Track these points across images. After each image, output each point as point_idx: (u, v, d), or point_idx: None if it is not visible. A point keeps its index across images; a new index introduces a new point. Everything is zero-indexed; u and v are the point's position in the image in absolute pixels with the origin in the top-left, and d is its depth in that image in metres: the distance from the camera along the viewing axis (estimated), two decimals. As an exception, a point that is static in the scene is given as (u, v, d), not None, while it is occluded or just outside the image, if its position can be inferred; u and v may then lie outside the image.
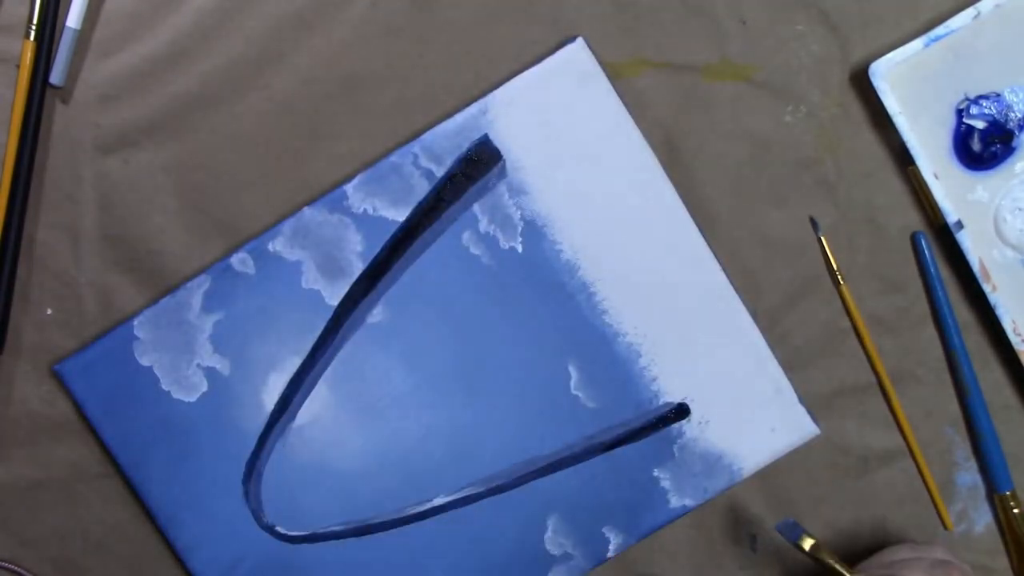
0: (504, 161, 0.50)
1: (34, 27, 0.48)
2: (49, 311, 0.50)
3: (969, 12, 0.51)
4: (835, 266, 0.53)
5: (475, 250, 0.50)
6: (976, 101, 0.52)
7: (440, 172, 0.49)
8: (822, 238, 0.53)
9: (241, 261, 0.49)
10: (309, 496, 0.50)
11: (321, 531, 0.50)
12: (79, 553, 0.50)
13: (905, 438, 0.54)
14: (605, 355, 0.51)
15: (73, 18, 0.48)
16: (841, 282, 0.53)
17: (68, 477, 0.50)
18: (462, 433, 0.51)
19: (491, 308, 0.50)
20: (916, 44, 0.51)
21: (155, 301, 0.49)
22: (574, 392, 0.51)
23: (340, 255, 0.49)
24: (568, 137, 0.50)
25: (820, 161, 0.53)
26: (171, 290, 0.49)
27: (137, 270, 0.50)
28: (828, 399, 0.54)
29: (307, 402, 0.50)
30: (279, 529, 0.50)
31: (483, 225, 0.50)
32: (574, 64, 0.49)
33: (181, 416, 0.49)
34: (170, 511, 0.49)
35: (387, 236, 0.50)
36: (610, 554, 0.51)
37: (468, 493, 0.51)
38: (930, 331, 0.54)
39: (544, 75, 0.49)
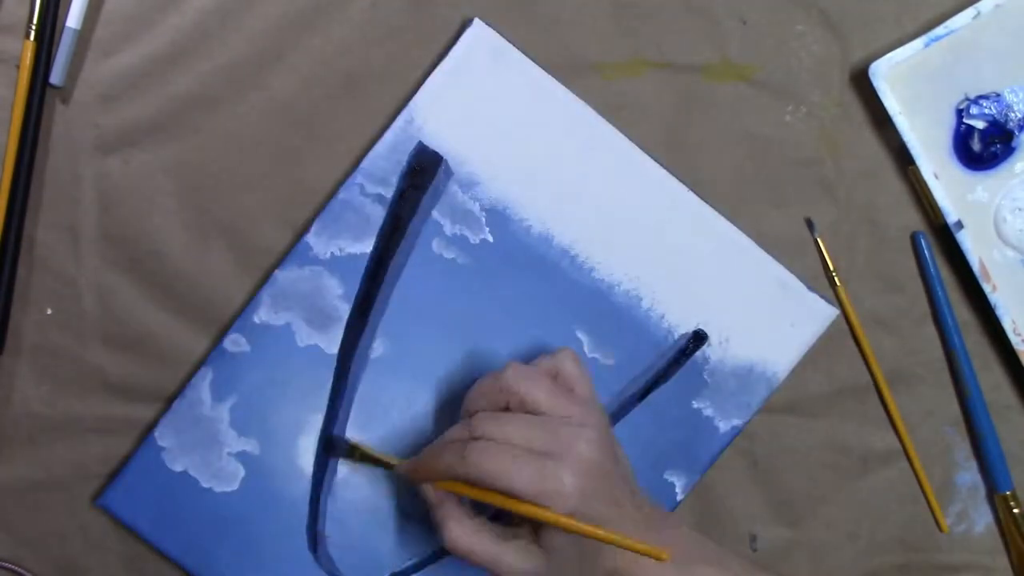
0: (445, 161, 0.49)
1: (34, 27, 0.48)
2: (49, 311, 0.49)
3: (969, 12, 0.51)
4: (831, 267, 0.53)
5: (448, 254, 0.50)
6: (976, 101, 0.52)
7: (389, 193, 0.49)
8: (818, 239, 0.53)
9: (234, 342, 0.49)
10: (376, 540, 0.50)
11: (399, 570, 0.50)
12: (79, 553, 0.50)
13: (900, 439, 0.54)
14: (607, 310, 0.51)
15: (73, 18, 0.48)
16: (838, 283, 0.53)
17: (68, 477, 0.50)
18: None
19: (484, 304, 0.50)
20: (916, 44, 0.51)
21: (167, 408, 0.49)
22: (591, 355, 0.51)
23: (324, 304, 0.49)
24: (499, 115, 0.50)
25: (820, 161, 0.53)
26: (179, 392, 0.49)
27: (137, 270, 0.50)
28: (828, 399, 0.54)
29: None
30: None
31: (448, 228, 0.50)
32: (480, 44, 0.49)
33: (230, 507, 0.49)
34: None
35: (361, 271, 0.49)
36: (680, 496, 0.51)
37: None
38: (930, 331, 0.54)
39: (455, 65, 0.49)
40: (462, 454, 0.41)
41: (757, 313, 0.51)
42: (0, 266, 0.48)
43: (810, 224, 0.53)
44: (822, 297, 0.52)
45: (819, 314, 0.52)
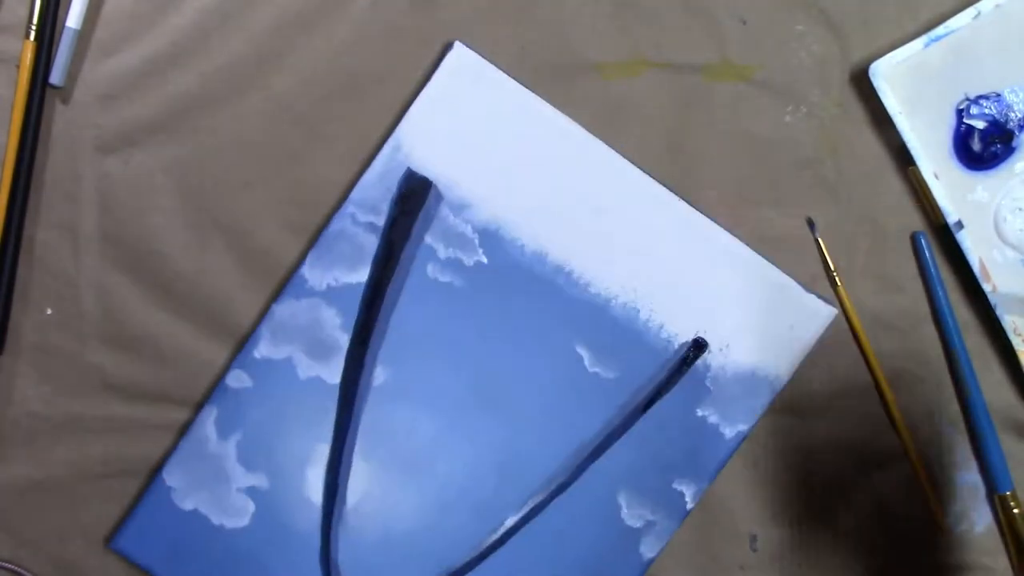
0: (434, 185, 0.50)
1: (34, 27, 0.48)
2: (49, 311, 0.50)
3: (969, 12, 0.51)
4: (832, 266, 0.53)
5: (444, 278, 0.50)
6: (976, 101, 0.52)
7: (381, 221, 0.49)
8: (819, 239, 0.53)
9: (236, 378, 0.49)
10: (390, 566, 0.50)
11: None
12: (79, 553, 0.50)
13: (900, 438, 0.54)
14: (606, 324, 0.51)
15: (73, 18, 0.48)
16: (839, 282, 0.53)
17: (68, 477, 0.50)
18: (505, 451, 0.51)
19: (482, 325, 0.50)
20: (916, 44, 0.51)
21: (174, 447, 0.49)
22: (592, 370, 0.51)
23: (323, 335, 0.49)
24: (485, 137, 0.50)
25: (820, 161, 0.53)
26: (185, 430, 0.49)
27: (137, 270, 0.50)
28: (828, 399, 0.54)
29: (351, 481, 0.50)
30: None
31: (441, 252, 0.50)
32: (462, 67, 0.49)
33: (242, 543, 0.49)
34: None
35: (358, 300, 0.49)
36: (690, 506, 0.51)
37: (534, 504, 0.51)
38: (930, 331, 0.54)
39: (438, 90, 0.49)
40: None
41: (756, 317, 0.51)
42: (0, 266, 0.48)
43: (811, 224, 0.53)
44: (820, 297, 0.52)
45: (818, 314, 0.52)
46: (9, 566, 0.50)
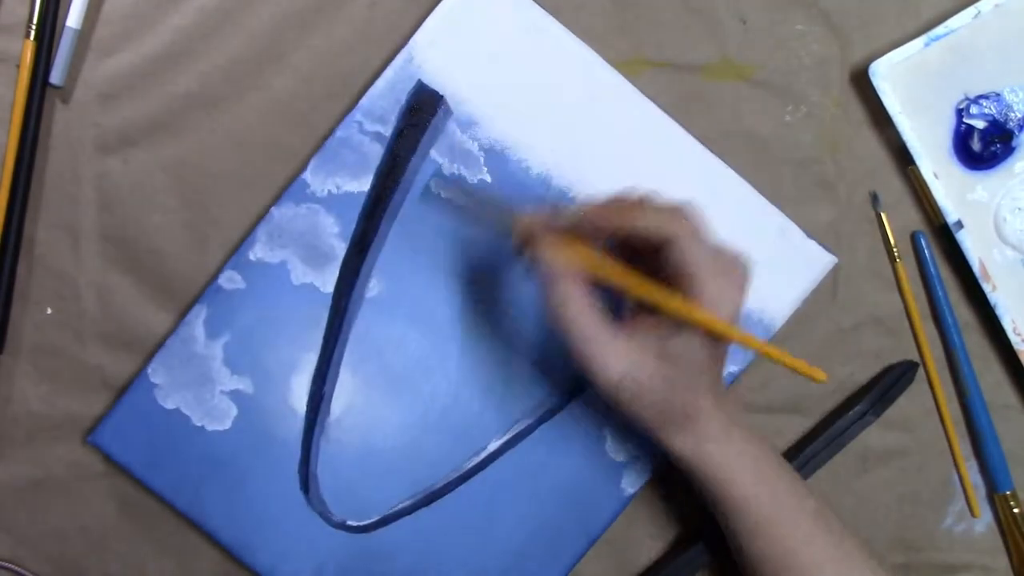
0: (444, 100, 0.49)
1: (34, 27, 0.48)
2: (49, 311, 0.50)
3: (969, 12, 0.51)
4: (892, 242, 0.53)
5: (446, 194, 0.50)
6: (976, 101, 0.52)
7: (388, 131, 0.49)
8: (881, 213, 0.53)
9: (229, 279, 0.49)
10: (368, 482, 0.50)
11: (391, 512, 0.50)
12: (79, 553, 0.50)
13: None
14: None
15: (73, 18, 0.48)
16: (898, 259, 0.53)
17: (68, 477, 0.50)
18: (493, 373, 0.50)
19: (480, 243, 0.50)
20: (916, 44, 0.51)
21: (160, 345, 0.49)
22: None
23: (320, 242, 0.49)
24: (499, 55, 0.49)
25: (820, 161, 0.53)
26: (173, 329, 0.49)
27: (137, 270, 0.50)
28: (828, 399, 0.54)
29: (336, 393, 0.50)
30: (350, 523, 0.49)
31: (446, 167, 0.50)
32: None
33: (221, 446, 0.49)
34: (242, 540, 0.49)
35: (358, 210, 0.49)
36: None
37: (518, 430, 0.50)
38: (930, 331, 0.54)
39: (456, 4, 0.49)
40: (672, 217, 0.40)
41: (755, 259, 0.51)
42: (0, 266, 0.48)
43: (874, 198, 0.52)
44: (821, 245, 0.52)
45: (818, 261, 0.52)
46: (9, 566, 0.50)
